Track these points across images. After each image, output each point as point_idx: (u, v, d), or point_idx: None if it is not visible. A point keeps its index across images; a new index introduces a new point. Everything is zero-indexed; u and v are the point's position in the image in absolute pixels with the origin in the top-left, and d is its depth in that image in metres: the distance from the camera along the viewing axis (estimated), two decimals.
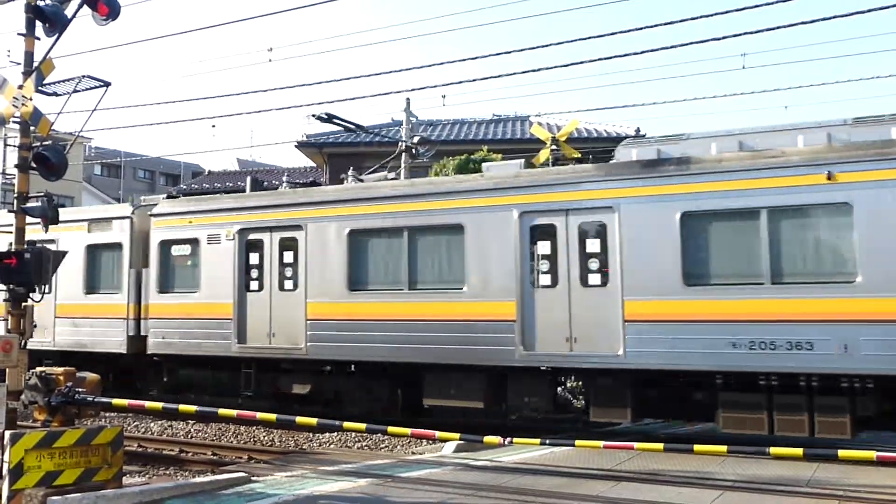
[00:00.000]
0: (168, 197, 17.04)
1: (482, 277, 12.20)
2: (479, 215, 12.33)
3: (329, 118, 18.58)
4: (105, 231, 16.55)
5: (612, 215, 11.29)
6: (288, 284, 14.11)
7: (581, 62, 26.42)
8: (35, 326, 16.06)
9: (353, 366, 13.71)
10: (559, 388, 16.25)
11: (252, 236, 14.57)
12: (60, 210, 18.62)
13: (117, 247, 16.29)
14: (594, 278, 11.47)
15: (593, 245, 11.51)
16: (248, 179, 16.56)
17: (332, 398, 14.06)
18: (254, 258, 14.54)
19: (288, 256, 14.15)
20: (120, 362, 16.45)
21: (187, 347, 14.98)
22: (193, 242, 15.19)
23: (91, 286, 16.56)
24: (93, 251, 16.64)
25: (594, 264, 11.48)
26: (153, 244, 15.67)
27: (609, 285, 11.26)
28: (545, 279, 11.80)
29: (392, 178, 14.86)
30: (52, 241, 16.39)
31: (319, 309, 13.59)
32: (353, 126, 19.84)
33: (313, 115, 18.32)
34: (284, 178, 23.29)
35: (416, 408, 13.81)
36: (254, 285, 14.47)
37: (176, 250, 15.43)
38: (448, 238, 12.69)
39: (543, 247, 11.86)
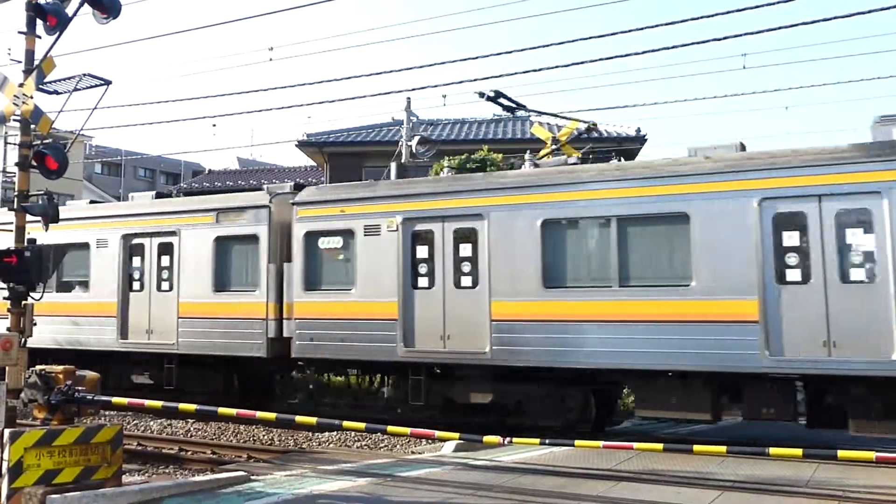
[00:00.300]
0: (304, 186, 15.24)
1: (713, 273, 10.78)
2: (708, 202, 10.92)
3: (496, 97, 15.69)
4: (237, 221, 14.72)
5: (879, 201, 9.95)
6: (465, 281, 12.55)
7: (581, 62, 26.57)
8: (151, 331, 15.35)
9: (536, 372, 12.23)
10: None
11: (420, 227, 12.98)
12: (188, 197, 17.74)
13: (252, 239, 14.51)
14: (857, 273, 10.08)
15: (854, 235, 10.16)
16: (393, 165, 14.90)
17: (515, 408, 12.63)
18: (422, 251, 12.96)
19: (464, 249, 12.62)
20: (254, 367, 15.09)
21: (341, 351, 13.37)
22: (347, 234, 13.58)
23: (221, 283, 14.80)
24: (222, 244, 14.87)
25: (856, 257, 10.12)
26: (297, 236, 14.00)
27: (877, 281, 9.93)
28: (794, 275, 10.41)
29: (573, 163, 13.08)
30: (173, 234, 15.45)
31: (507, 308, 12.07)
32: (519, 107, 16.46)
33: (478, 93, 15.58)
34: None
35: (608, 418, 12.79)
36: (423, 282, 12.89)
37: (325, 242, 13.78)
38: (669, 228, 11.29)
39: (790, 237, 10.48)
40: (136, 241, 15.95)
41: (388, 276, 13.04)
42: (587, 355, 11.50)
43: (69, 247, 15.85)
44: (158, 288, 15.50)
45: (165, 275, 15.47)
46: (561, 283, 11.90)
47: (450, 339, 12.53)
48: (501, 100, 15.66)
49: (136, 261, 15.91)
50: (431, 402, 13.02)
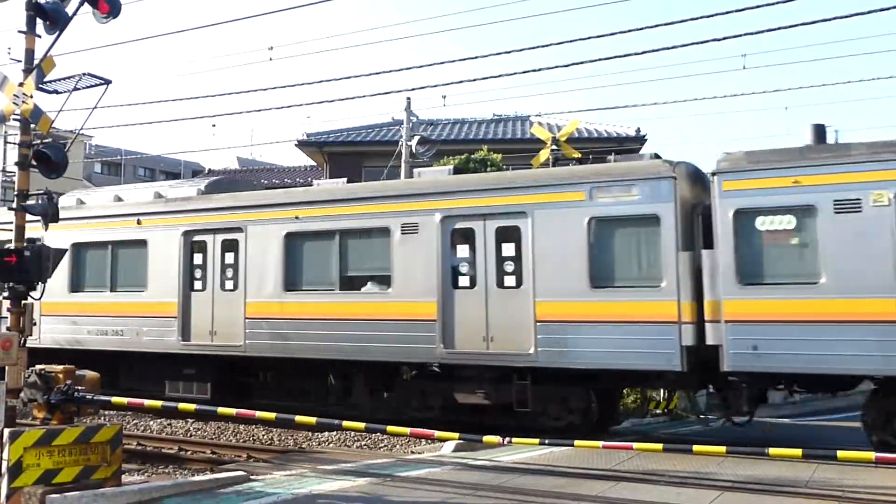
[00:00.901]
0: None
1: None
2: None
3: None
4: (622, 198, 11.76)
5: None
6: None
7: (581, 62, 26.61)
8: (491, 338, 11.80)
9: None
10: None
11: None
12: (538, 170, 14.97)
13: (649, 220, 11.53)
14: None
15: None
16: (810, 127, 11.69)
17: None
18: None
19: None
20: (635, 383, 12.80)
21: (803, 362, 10.31)
22: (803, 211, 10.63)
23: (600, 277, 11.76)
24: (600, 227, 11.90)
25: None
26: (721, 215, 11.01)
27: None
28: None
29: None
30: (520, 214, 12.44)
31: None
32: None
33: None
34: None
35: None
36: None
37: (766, 223, 10.87)
38: None
39: None
40: (460, 224, 12.94)
41: (875, 266, 10.06)
42: None
43: (352, 233, 13.88)
44: (499, 284, 12.51)
45: (509, 267, 12.50)
46: None
47: None
48: None
49: (462, 250, 12.90)
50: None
